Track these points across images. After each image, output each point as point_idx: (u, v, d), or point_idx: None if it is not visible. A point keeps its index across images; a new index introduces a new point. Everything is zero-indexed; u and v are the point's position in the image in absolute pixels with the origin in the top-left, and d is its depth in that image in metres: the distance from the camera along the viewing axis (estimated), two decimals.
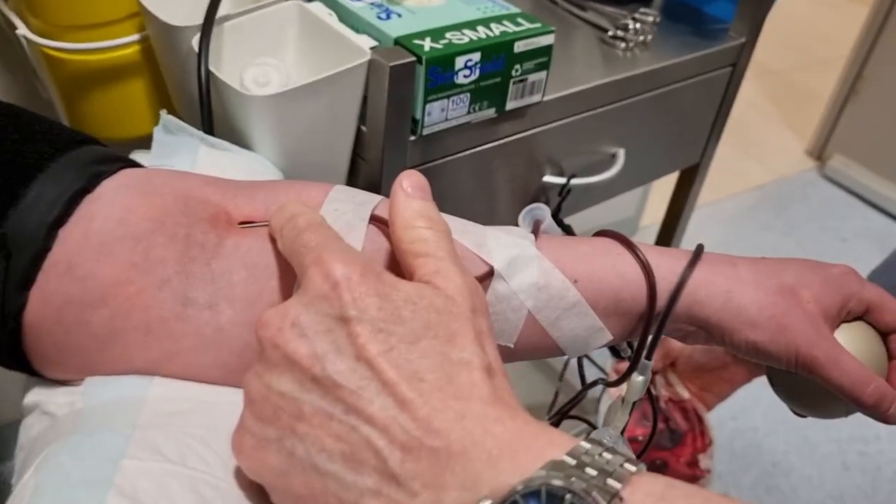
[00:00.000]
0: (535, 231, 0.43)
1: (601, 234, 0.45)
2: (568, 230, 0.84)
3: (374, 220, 0.40)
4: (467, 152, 0.69)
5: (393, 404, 0.29)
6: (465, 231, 0.41)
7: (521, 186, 0.77)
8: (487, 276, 0.40)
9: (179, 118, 0.54)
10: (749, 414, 1.55)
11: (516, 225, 0.45)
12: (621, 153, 0.83)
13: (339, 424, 0.30)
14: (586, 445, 0.28)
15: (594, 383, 0.51)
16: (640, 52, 0.82)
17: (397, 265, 0.38)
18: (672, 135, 0.89)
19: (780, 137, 2.51)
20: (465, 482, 0.27)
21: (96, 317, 0.36)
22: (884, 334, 0.46)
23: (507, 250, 0.41)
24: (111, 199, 0.37)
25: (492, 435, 0.28)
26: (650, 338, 0.44)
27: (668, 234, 1.04)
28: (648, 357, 0.44)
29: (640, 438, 0.83)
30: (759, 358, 0.44)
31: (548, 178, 0.77)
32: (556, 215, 0.82)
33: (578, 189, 0.80)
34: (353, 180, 0.67)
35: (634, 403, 0.46)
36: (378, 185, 0.64)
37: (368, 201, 0.41)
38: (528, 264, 0.41)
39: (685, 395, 0.84)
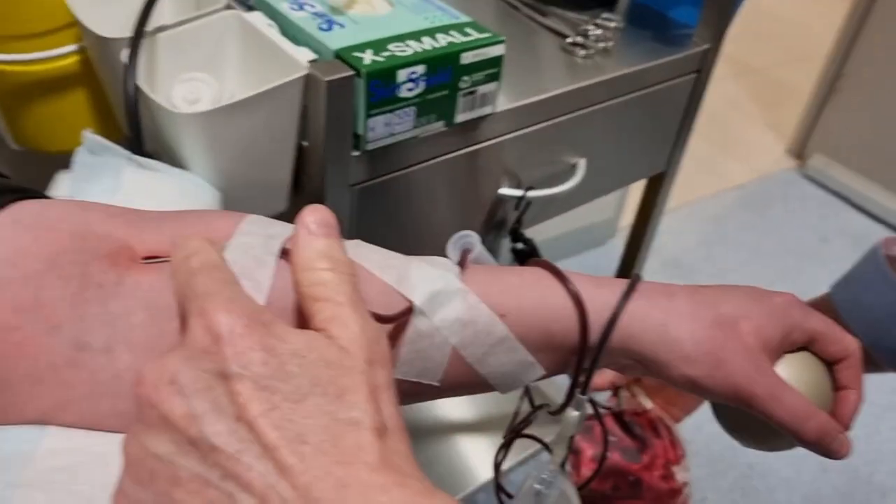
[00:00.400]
0: (463, 261, 0.41)
1: (533, 262, 0.43)
2: (530, 244, 0.82)
3: (287, 254, 0.37)
4: (416, 167, 0.66)
5: (273, 470, 0.27)
6: (386, 266, 0.39)
7: (475, 200, 0.74)
8: (408, 312, 0.38)
9: (120, 132, 0.52)
10: None
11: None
12: (582, 163, 0.81)
13: (216, 491, 0.27)
14: None
15: (539, 408, 0.49)
16: (602, 58, 0.79)
17: None
18: (636, 143, 0.87)
19: (761, 136, 2.50)
20: None
21: None
22: (829, 364, 0.44)
23: (430, 284, 0.39)
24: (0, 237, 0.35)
25: None
26: (584, 373, 0.42)
27: (637, 241, 1.02)
28: (583, 392, 0.42)
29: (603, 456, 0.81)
30: (697, 392, 0.42)
31: (504, 191, 0.75)
32: (516, 230, 0.80)
33: (539, 201, 0.78)
34: (297, 197, 0.64)
35: (572, 438, 0.44)
36: (322, 201, 0.62)
37: (280, 234, 0.38)
38: (451, 298, 0.39)
39: (648, 405, 0.82)
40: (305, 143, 0.61)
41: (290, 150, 0.61)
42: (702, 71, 0.86)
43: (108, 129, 0.71)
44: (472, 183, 0.73)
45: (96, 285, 0.35)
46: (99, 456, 0.34)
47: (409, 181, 0.67)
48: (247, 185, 0.60)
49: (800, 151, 2.36)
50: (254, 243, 0.37)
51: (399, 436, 0.29)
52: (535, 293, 0.41)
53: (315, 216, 0.33)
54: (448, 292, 0.39)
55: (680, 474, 0.84)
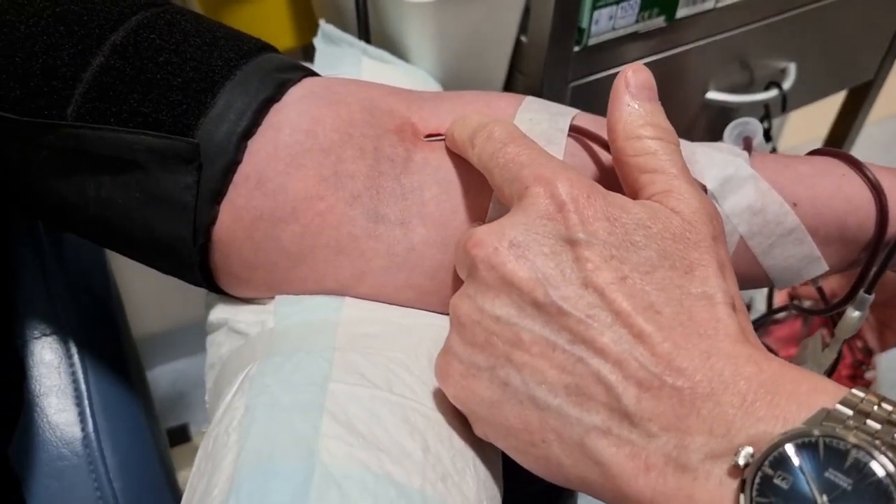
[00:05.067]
0: (748, 148, 0.38)
1: (819, 152, 0.40)
2: None
3: (574, 131, 0.36)
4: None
5: (628, 336, 0.26)
6: None
7: (682, 103, 0.71)
8: None
9: (312, 33, 0.51)
10: None
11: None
12: (792, 68, 0.75)
13: (564, 355, 0.27)
14: (860, 394, 0.24)
15: (785, 308, 0.47)
16: None
17: (603, 183, 0.34)
18: (847, 48, 0.80)
19: None
20: (715, 427, 0.24)
21: (287, 233, 0.34)
22: None
23: (720, 169, 0.36)
24: (298, 109, 0.35)
25: (744, 377, 0.25)
26: (874, 269, 0.39)
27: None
28: (869, 291, 0.40)
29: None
30: None
31: (712, 95, 0.71)
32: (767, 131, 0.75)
33: (734, 109, 0.73)
34: None
35: (845, 342, 0.42)
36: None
37: (565, 112, 0.37)
38: (742, 185, 0.37)
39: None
40: (524, 39, 0.59)
41: (508, 45, 0.59)
42: None
43: (303, 31, 0.71)
44: (682, 85, 0.69)
45: (388, 159, 0.35)
46: (400, 327, 0.34)
47: None
48: (465, 79, 0.59)
49: None
50: (540, 120, 0.36)
51: (744, 315, 0.28)
52: (829, 182, 0.38)
53: (637, 78, 0.32)
54: (739, 178, 0.37)
55: (868, 373, 0.79)
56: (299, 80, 0.36)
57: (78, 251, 0.51)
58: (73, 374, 0.46)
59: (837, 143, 0.94)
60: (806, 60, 0.76)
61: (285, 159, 0.34)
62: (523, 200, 0.29)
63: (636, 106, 0.31)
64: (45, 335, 0.47)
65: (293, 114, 0.35)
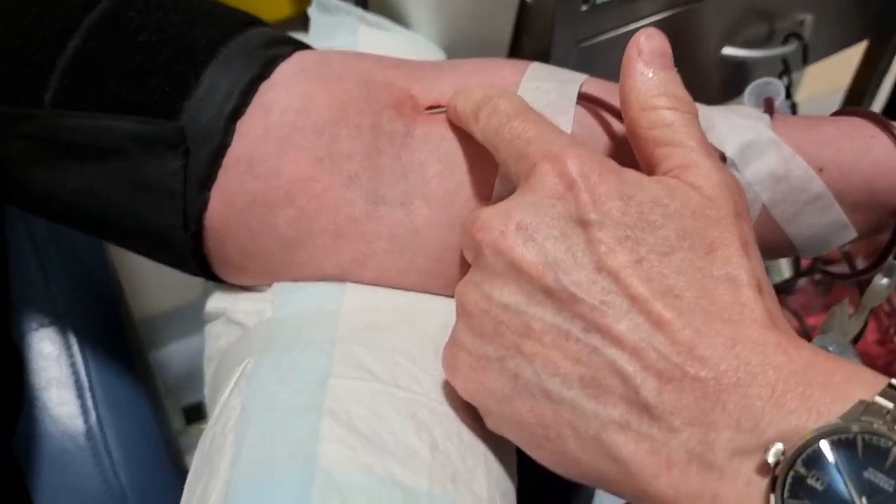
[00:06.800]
0: (769, 111, 0.36)
1: (845, 112, 0.38)
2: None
3: (584, 99, 0.34)
4: (642, 21, 0.61)
5: (646, 324, 0.24)
6: None
7: (696, 61, 0.68)
8: None
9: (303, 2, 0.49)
10: None
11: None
12: (810, 19, 0.72)
13: (577, 344, 0.25)
14: None
15: (811, 270, 0.44)
16: None
17: (616, 155, 0.32)
18: None
19: None
20: (742, 421, 0.23)
21: (282, 217, 0.32)
22: None
23: (740, 134, 0.34)
24: (288, 87, 0.33)
25: (773, 366, 0.23)
26: None
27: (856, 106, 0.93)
28: None
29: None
30: None
31: (728, 51, 0.68)
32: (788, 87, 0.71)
33: (751, 65, 0.70)
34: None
35: (872, 310, 0.40)
36: (547, 61, 0.58)
37: (574, 79, 0.35)
38: (764, 150, 0.34)
39: None
40: (529, 0, 0.56)
41: (513, 7, 0.56)
42: None
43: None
44: (697, 41, 0.66)
45: (387, 136, 0.33)
46: (404, 314, 0.33)
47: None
48: (468, 45, 0.56)
49: None
50: (547, 89, 0.34)
51: (771, 297, 0.26)
52: (856, 145, 0.35)
53: (651, 43, 0.29)
54: (761, 143, 0.34)
55: None
56: (289, 55, 0.34)
57: (74, 238, 0.49)
58: (73, 365, 0.45)
59: (859, 94, 0.91)
60: (825, 10, 0.73)
61: (277, 140, 0.32)
62: (531, 179, 0.27)
63: (650, 74, 0.29)
64: (43, 326, 0.46)
65: (284, 92, 0.33)
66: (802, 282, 0.67)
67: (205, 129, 0.32)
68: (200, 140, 0.32)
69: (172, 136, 0.31)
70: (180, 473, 0.47)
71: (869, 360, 0.73)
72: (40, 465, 0.43)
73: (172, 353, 1.10)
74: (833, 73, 1.00)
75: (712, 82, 0.71)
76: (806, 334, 0.70)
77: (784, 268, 0.70)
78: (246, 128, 0.32)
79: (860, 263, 0.75)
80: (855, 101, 0.90)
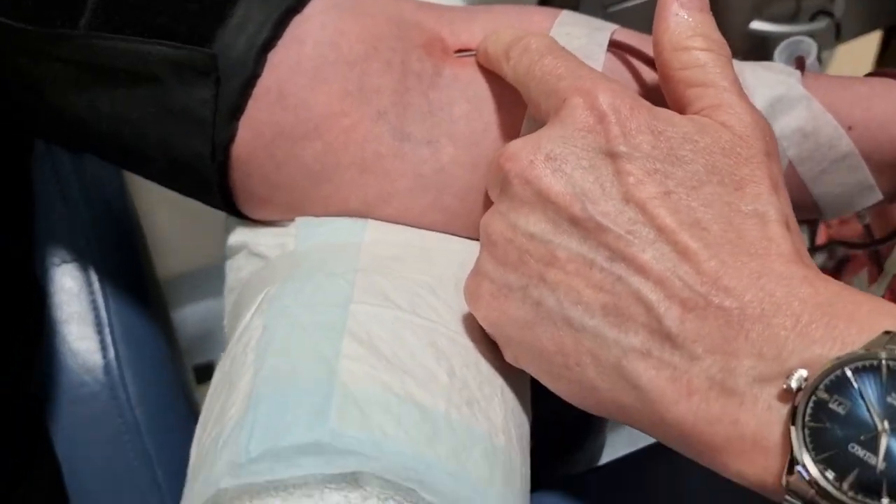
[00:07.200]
0: (800, 68, 0.36)
1: (878, 73, 0.37)
2: None
3: (614, 46, 0.34)
4: None
5: (671, 254, 0.24)
6: None
7: (725, 35, 0.67)
8: None
9: None
10: None
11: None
12: None
13: (601, 273, 0.25)
14: None
15: (829, 245, 0.45)
16: None
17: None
18: None
19: None
20: (765, 350, 0.23)
21: (309, 150, 0.32)
22: None
23: (771, 88, 0.34)
24: (321, 21, 0.33)
25: (798, 298, 0.23)
26: None
27: None
28: None
29: None
30: None
31: (757, 25, 0.68)
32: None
33: (779, 41, 0.70)
34: None
35: (889, 286, 0.39)
36: None
37: (605, 27, 0.35)
38: (794, 106, 0.34)
39: None
40: None
41: None
42: None
43: None
44: (725, 13, 0.66)
45: (415, 74, 0.33)
46: (427, 251, 0.33)
47: None
48: None
49: None
50: (578, 34, 0.34)
51: (799, 236, 0.26)
52: (887, 104, 0.35)
53: None
54: (790, 98, 0.34)
55: None
56: None
57: (100, 177, 0.50)
58: (94, 301, 0.46)
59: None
60: None
61: (308, 73, 0.32)
62: (561, 112, 0.27)
63: (685, 15, 0.29)
64: (65, 262, 0.46)
65: (317, 25, 0.33)
66: (819, 258, 0.67)
67: (237, 58, 0.32)
68: (232, 70, 0.32)
69: (204, 62, 0.31)
70: (194, 413, 0.48)
71: None
72: (58, 397, 0.44)
73: (188, 316, 1.11)
74: (865, 57, 0.99)
75: (739, 57, 0.71)
76: None
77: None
78: (278, 59, 0.32)
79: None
80: None
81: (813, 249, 0.54)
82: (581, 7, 0.56)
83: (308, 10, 0.33)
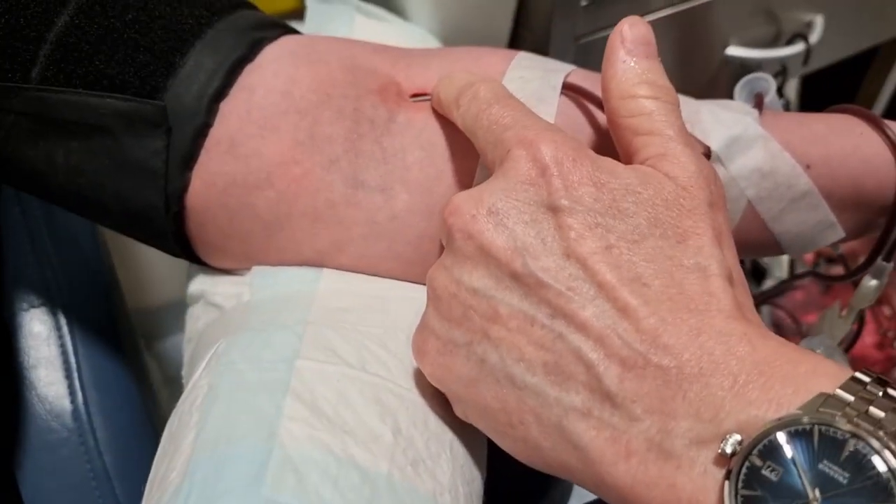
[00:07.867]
0: (758, 106, 0.36)
1: (841, 108, 0.37)
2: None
3: (568, 88, 0.34)
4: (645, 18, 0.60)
5: (612, 311, 0.24)
6: None
7: (699, 61, 0.67)
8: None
9: None
10: None
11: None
12: (819, 21, 0.71)
13: (543, 330, 0.25)
14: (865, 378, 0.22)
15: (804, 275, 0.44)
16: None
17: (598, 146, 0.32)
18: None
19: None
20: (702, 411, 0.22)
21: (262, 199, 0.32)
22: None
23: (728, 128, 0.34)
24: (274, 69, 0.33)
25: (736, 356, 0.23)
26: (894, 236, 0.36)
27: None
28: (888, 258, 0.37)
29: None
30: None
31: (732, 51, 0.68)
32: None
33: (755, 65, 0.69)
34: None
35: (861, 311, 0.39)
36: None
37: (559, 69, 0.35)
38: (751, 145, 0.34)
39: None
40: None
41: (511, 1, 0.56)
42: None
43: None
44: (702, 40, 0.66)
45: (368, 120, 0.33)
46: (379, 300, 0.33)
47: None
48: (466, 37, 0.56)
49: None
50: (531, 77, 0.34)
51: (743, 289, 0.25)
52: (845, 142, 0.35)
53: (634, 32, 0.29)
54: (747, 138, 0.34)
55: None
56: (276, 38, 0.34)
57: (69, 220, 0.50)
58: (63, 346, 0.46)
59: (867, 102, 0.90)
60: (835, 12, 0.72)
61: (258, 122, 0.32)
62: (504, 164, 0.27)
63: (632, 63, 0.29)
64: (33, 307, 0.46)
65: (268, 74, 0.33)
66: (804, 280, 0.66)
67: (188, 108, 0.32)
68: (184, 119, 0.32)
69: (155, 114, 0.31)
70: None
71: (866, 365, 0.72)
72: (26, 443, 0.44)
73: (173, 345, 1.10)
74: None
75: (716, 81, 0.71)
76: (801, 334, 0.69)
77: (785, 264, 0.70)
78: (228, 109, 0.32)
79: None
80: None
81: (792, 278, 0.53)
82: (552, 39, 0.56)
83: (260, 59, 0.33)
